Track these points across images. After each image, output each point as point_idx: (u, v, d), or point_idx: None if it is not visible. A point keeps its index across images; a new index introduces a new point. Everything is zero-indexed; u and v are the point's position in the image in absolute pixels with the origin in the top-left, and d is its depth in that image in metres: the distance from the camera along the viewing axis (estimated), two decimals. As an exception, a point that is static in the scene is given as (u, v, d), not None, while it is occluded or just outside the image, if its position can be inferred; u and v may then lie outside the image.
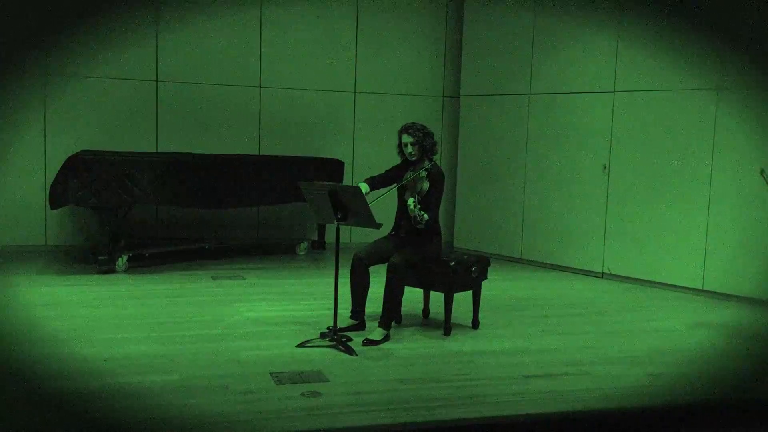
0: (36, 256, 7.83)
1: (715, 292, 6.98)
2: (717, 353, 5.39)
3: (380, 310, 5.31)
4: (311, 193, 5.15)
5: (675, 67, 7.15)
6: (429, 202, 5.34)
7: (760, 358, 5.32)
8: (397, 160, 5.63)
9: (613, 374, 4.82)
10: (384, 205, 5.44)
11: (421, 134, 5.38)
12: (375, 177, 5.53)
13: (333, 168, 8.45)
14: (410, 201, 5.16)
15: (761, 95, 6.66)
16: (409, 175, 5.42)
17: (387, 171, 5.58)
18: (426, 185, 5.40)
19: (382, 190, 5.45)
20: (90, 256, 7.47)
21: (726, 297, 6.90)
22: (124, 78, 8.29)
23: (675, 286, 7.22)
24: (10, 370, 4.54)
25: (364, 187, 5.18)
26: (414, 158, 5.41)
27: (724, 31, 6.75)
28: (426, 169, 5.38)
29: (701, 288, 7.07)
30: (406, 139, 5.40)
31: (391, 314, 5.30)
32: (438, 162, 5.57)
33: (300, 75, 8.93)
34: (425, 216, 5.12)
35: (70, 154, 7.35)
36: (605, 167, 7.71)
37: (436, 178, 5.40)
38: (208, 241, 8.18)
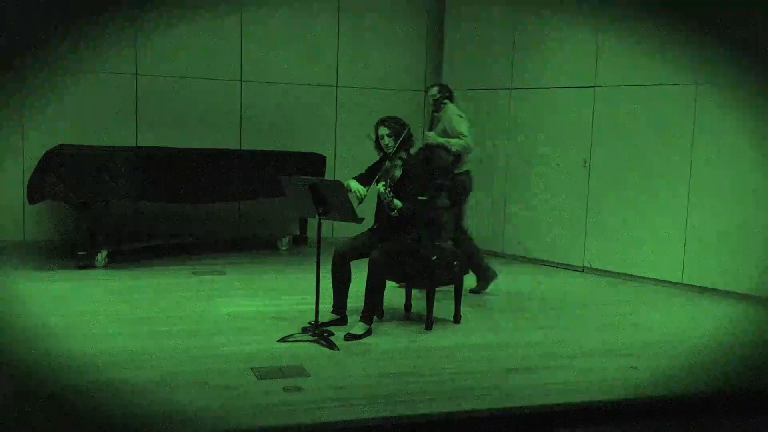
0: (14, 251, 7.74)
1: (694, 286, 7.03)
2: (697, 346, 5.43)
3: (362, 304, 5.30)
4: (292, 188, 5.13)
5: (655, 62, 7.19)
6: (404, 191, 5.34)
7: (739, 351, 5.36)
8: (376, 156, 5.63)
9: (594, 367, 4.84)
10: (365, 199, 5.43)
11: (397, 126, 5.41)
12: (357, 177, 5.52)
13: (314, 162, 8.42)
14: (380, 185, 5.23)
15: (740, 91, 6.71)
16: (387, 165, 5.42)
17: (367, 169, 5.58)
18: (398, 173, 5.41)
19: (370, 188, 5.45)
20: (69, 251, 7.41)
21: (705, 290, 6.95)
22: (103, 72, 8.20)
23: (655, 279, 7.26)
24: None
25: (360, 188, 5.28)
26: (391, 150, 5.43)
27: (705, 26, 6.79)
28: (401, 158, 5.41)
29: (681, 281, 7.12)
30: (383, 131, 5.42)
31: (373, 309, 5.30)
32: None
33: (281, 69, 8.88)
34: (397, 203, 5.14)
35: (48, 149, 7.27)
36: (585, 162, 7.74)
37: (412, 167, 5.42)
38: (189, 236, 8.12)
